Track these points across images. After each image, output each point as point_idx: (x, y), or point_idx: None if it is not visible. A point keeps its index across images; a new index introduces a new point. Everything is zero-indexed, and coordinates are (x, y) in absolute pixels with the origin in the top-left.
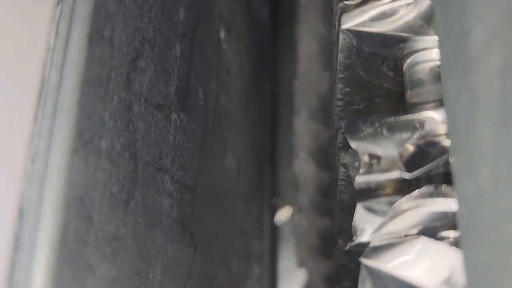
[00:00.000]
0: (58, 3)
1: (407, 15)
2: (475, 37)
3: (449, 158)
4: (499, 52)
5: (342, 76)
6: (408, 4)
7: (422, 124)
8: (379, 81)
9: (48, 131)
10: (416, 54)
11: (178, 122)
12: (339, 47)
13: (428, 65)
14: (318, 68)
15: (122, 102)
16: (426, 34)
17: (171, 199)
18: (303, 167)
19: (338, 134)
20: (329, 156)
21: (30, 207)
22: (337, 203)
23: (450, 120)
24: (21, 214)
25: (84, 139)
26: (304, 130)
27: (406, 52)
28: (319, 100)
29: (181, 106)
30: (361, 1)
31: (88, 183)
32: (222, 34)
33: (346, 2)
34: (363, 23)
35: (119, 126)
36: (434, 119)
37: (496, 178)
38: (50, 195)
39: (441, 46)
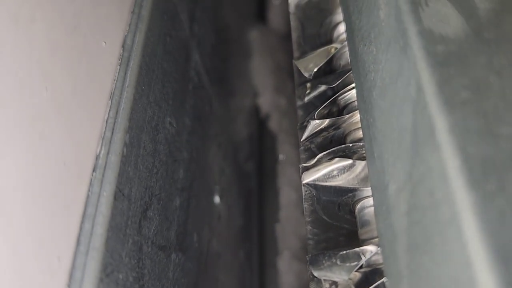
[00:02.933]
0: (92, 171)
1: (349, 175)
2: (390, 189)
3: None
4: (404, 199)
5: (309, 219)
6: (348, 167)
7: (364, 254)
8: (340, 223)
9: (82, 264)
10: (363, 201)
11: (177, 260)
12: (303, 197)
13: (372, 209)
14: (298, 213)
15: (135, 243)
16: (367, 186)
17: None
18: None
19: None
20: None
21: None
22: None
23: (382, 250)
24: None
25: (107, 272)
26: (287, 270)
27: (355, 199)
28: (301, 242)
29: (179, 247)
30: (315, 163)
31: None
32: (214, 186)
33: (304, 164)
34: (318, 179)
35: (132, 263)
36: (372, 251)
37: None
38: None
39: (373, 195)
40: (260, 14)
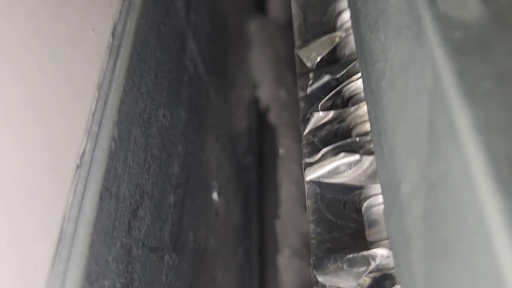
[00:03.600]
0: (77, 168)
1: (355, 171)
2: (403, 188)
3: None
4: (419, 200)
5: (312, 218)
6: (355, 163)
7: (374, 259)
8: (345, 222)
9: (62, 272)
10: (371, 199)
11: (171, 262)
12: (306, 194)
13: (381, 208)
14: (298, 209)
15: (124, 246)
16: (375, 183)
17: None
18: None
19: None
20: None
21: None
22: None
23: (394, 256)
24: None
25: (91, 280)
26: (287, 268)
27: (362, 197)
28: (301, 238)
29: (173, 248)
30: (319, 158)
31: None
32: (211, 182)
33: (307, 160)
34: (322, 176)
35: (120, 268)
36: (383, 255)
37: None
38: None
39: (383, 194)
40: (260, 2)
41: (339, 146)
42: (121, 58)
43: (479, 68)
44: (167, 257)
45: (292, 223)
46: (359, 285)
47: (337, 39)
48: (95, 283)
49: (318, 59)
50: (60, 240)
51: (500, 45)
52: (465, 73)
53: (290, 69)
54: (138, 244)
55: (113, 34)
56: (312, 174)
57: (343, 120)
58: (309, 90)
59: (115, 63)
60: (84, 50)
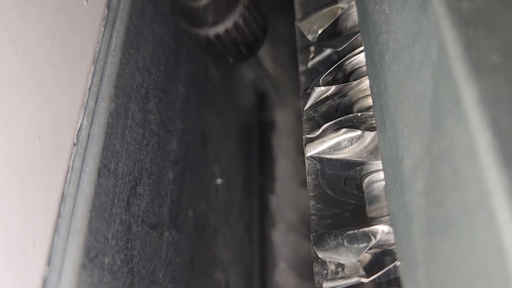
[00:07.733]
0: (73, 145)
1: (356, 147)
2: (405, 164)
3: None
4: (421, 177)
5: (313, 194)
6: (356, 139)
7: (375, 235)
8: (345, 198)
9: (62, 249)
10: (372, 175)
11: (170, 239)
12: (307, 171)
13: (382, 184)
14: (294, 184)
15: (123, 223)
16: (377, 159)
17: None
18: (283, 278)
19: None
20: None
21: None
22: None
23: (395, 232)
24: None
25: (91, 256)
26: (282, 242)
27: (363, 173)
28: (298, 214)
29: (173, 224)
30: (320, 134)
31: None
32: (211, 158)
33: (307, 136)
34: (323, 151)
35: (119, 244)
36: (384, 231)
37: (428, 278)
38: None
39: (384, 170)
40: None
41: (340, 121)
42: (117, 30)
43: (487, 40)
44: (166, 234)
45: (289, 198)
46: (359, 261)
47: (339, 11)
48: (95, 260)
49: (320, 32)
50: (58, 217)
51: (509, 16)
52: (471, 45)
53: (289, 46)
54: (137, 221)
55: (108, 6)
56: (312, 150)
57: (344, 95)
58: (310, 64)
59: (110, 36)
60: (78, 22)
